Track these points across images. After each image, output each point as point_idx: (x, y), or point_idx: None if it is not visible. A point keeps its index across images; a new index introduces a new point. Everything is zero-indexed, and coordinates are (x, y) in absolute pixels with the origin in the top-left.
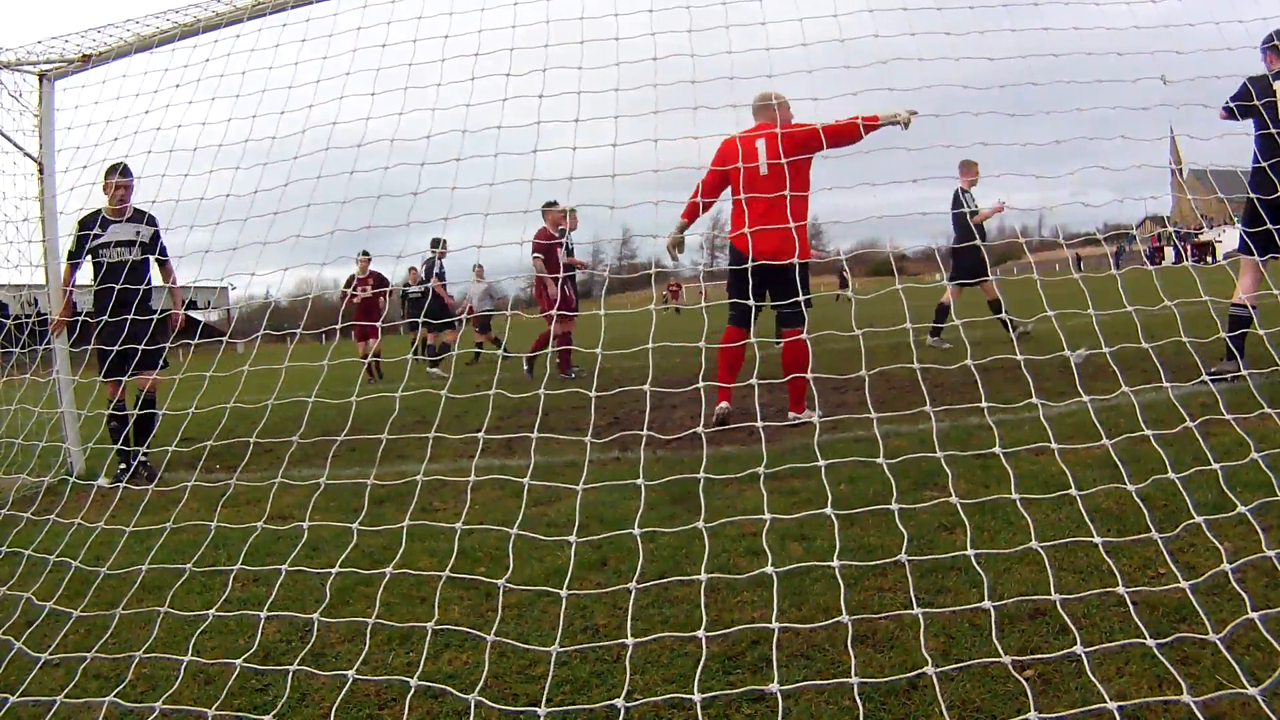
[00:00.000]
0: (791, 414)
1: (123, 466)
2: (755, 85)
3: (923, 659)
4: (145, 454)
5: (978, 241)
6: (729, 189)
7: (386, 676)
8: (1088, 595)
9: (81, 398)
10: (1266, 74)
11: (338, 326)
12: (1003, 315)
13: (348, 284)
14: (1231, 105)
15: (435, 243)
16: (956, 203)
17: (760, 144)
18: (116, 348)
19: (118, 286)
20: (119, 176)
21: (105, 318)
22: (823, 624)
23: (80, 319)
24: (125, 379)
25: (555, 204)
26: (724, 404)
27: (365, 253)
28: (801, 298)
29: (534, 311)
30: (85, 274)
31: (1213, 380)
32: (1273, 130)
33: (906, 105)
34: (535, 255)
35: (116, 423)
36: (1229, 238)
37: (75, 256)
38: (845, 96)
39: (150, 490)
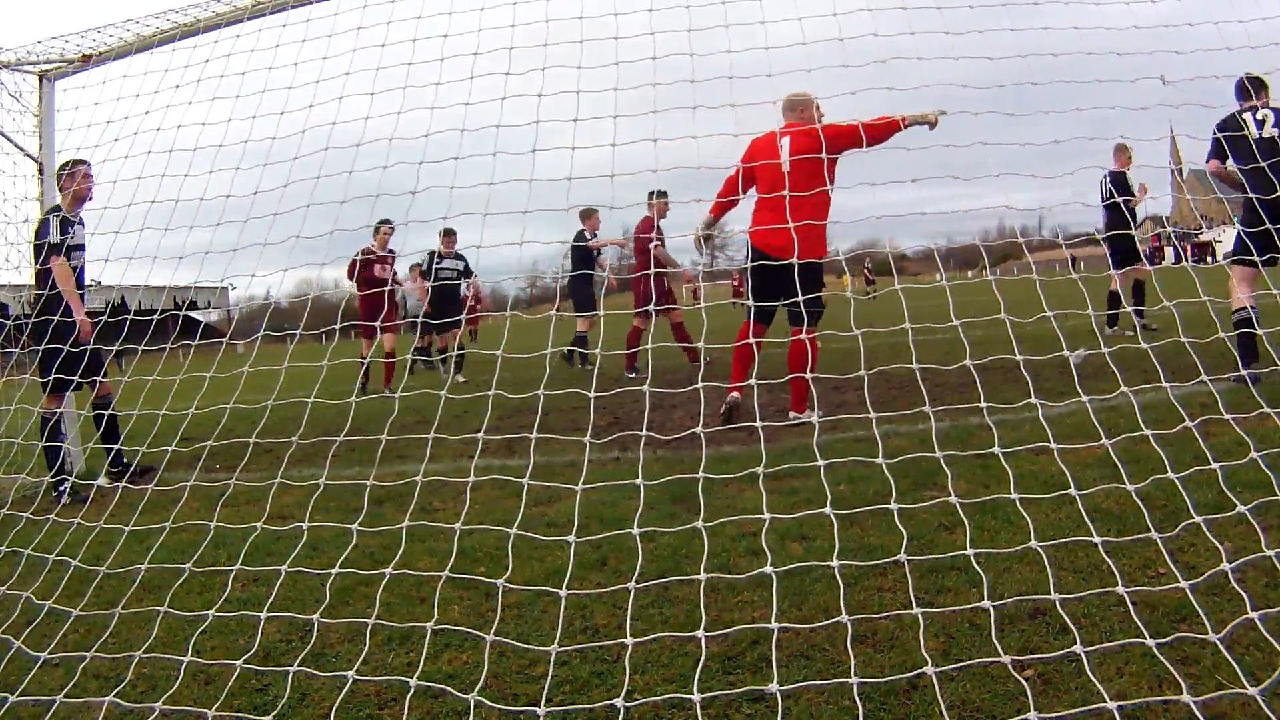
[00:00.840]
0: (792, 414)
1: (60, 487)
2: (755, 85)
3: (923, 659)
4: (123, 461)
5: (1120, 232)
6: (756, 186)
7: (386, 676)
8: (1088, 595)
9: (81, 397)
10: (1235, 115)
11: (337, 326)
12: (1141, 307)
13: (354, 269)
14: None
15: (446, 234)
16: (1118, 187)
17: (784, 142)
18: (106, 348)
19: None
20: (89, 168)
21: (78, 318)
22: (823, 624)
23: (55, 319)
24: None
25: (664, 194)
26: (734, 394)
27: (388, 220)
28: (802, 297)
29: (543, 310)
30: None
31: (1250, 379)
32: (1266, 173)
33: (936, 105)
34: (658, 246)
35: (53, 441)
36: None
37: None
38: (844, 96)
39: (150, 490)
